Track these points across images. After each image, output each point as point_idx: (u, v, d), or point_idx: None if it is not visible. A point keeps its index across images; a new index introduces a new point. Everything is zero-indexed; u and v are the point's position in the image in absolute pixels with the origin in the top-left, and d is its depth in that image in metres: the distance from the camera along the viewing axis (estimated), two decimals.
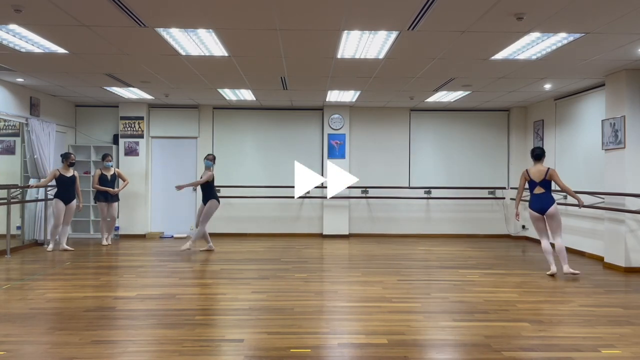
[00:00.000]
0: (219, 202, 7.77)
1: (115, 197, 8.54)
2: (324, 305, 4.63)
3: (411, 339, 3.69)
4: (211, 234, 9.74)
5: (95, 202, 8.62)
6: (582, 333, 3.85)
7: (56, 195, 7.78)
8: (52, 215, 8.10)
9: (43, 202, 8.38)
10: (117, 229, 9.52)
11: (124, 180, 8.68)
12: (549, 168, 6.02)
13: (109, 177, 8.47)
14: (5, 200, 7.28)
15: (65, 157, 7.86)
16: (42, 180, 7.96)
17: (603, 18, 4.46)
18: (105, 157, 8.49)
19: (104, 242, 8.49)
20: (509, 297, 4.96)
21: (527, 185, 6.27)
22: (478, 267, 6.62)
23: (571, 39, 5.07)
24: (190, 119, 9.78)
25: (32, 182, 7.99)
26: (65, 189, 7.78)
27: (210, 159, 7.71)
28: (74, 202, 7.93)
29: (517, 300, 4.86)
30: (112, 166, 8.56)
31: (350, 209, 9.86)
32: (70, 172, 7.85)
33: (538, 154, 6.12)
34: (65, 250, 7.85)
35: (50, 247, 7.83)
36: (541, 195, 6.03)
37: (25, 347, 3.45)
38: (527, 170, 6.19)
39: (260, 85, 7.66)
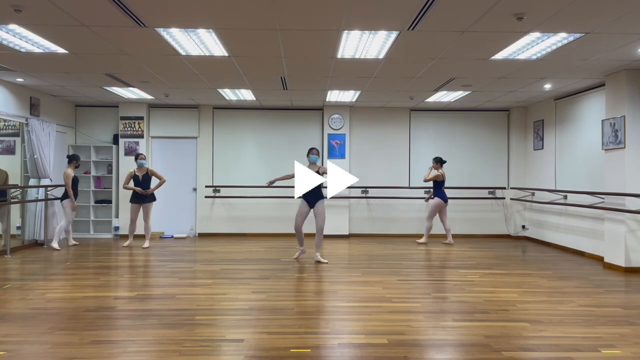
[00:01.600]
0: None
1: (149, 198, 8.17)
2: (324, 305, 4.63)
3: (411, 339, 3.69)
4: (211, 234, 9.75)
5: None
6: (582, 333, 3.85)
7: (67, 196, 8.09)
8: (59, 214, 8.54)
9: (43, 202, 8.38)
10: (117, 229, 9.52)
11: (159, 179, 8.19)
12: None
13: (140, 177, 8.14)
14: (5, 200, 7.28)
15: (76, 159, 8.18)
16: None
17: (603, 18, 4.46)
18: (137, 156, 8.18)
19: (125, 243, 8.27)
20: (509, 297, 4.96)
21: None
22: (478, 267, 6.62)
23: (571, 39, 5.07)
24: (190, 119, 9.78)
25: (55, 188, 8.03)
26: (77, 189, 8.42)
27: (315, 153, 6.95)
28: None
29: (517, 300, 4.86)
30: (145, 164, 8.22)
31: (350, 209, 9.86)
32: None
33: (444, 161, 8.74)
34: (74, 245, 8.49)
35: (72, 242, 8.48)
36: (444, 190, 8.70)
37: (25, 347, 3.45)
38: (443, 173, 8.62)
39: (260, 85, 7.67)
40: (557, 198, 8.41)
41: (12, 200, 7.45)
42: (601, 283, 5.67)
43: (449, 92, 8.14)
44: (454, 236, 9.78)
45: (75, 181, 8.14)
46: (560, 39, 5.08)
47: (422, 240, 8.82)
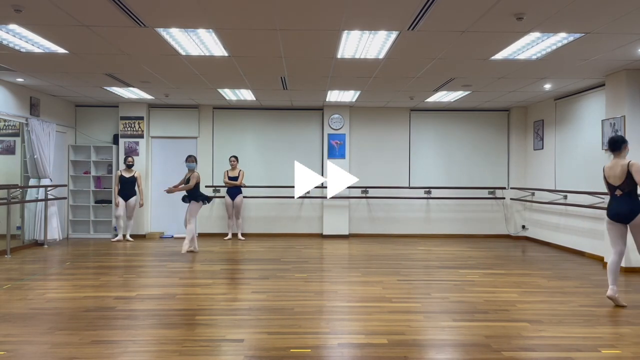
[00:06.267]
0: None
1: (188, 198, 7.69)
2: (324, 305, 4.63)
3: (411, 339, 3.69)
4: (211, 234, 9.75)
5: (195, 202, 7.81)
6: (582, 333, 3.85)
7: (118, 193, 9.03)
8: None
9: (43, 202, 8.38)
10: (115, 228, 9.51)
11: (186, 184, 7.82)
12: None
13: (184, 179, 7.77)
14: (5, 200, 7.28)
15: (124, 160, 9.18)
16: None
17: (603, 18, 4.46)
18: (188, 157, 7.75)
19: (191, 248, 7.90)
20: (509, 297, 4.96)
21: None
22: (478, 267, 6.62)
23: (571, 39, 5.07)
24: (190, 119, 9.78)
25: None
26: (125, 188, 9.05)
27: None
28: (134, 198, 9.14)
29: (517, 300, 4.86)
30: (190, 167, 7.70)
31: (350, 209, 9.86)
32: (130, 173, 9.09)
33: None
34: (127, 240, 9.03)
35: (118, 237, 9.08)
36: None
37: (25, 347, 3.45)
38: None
39: (260, 85, 7.66)
40: (557, 198, 8.41)
41: (12, 200, 7.44)
42: (601, 283, 5.67)
43: (449, 92, 8.14)
44: (454, 236, 9.78)
45: (123, 181, 9.04)
46: (560, 39, 5.08)
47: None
